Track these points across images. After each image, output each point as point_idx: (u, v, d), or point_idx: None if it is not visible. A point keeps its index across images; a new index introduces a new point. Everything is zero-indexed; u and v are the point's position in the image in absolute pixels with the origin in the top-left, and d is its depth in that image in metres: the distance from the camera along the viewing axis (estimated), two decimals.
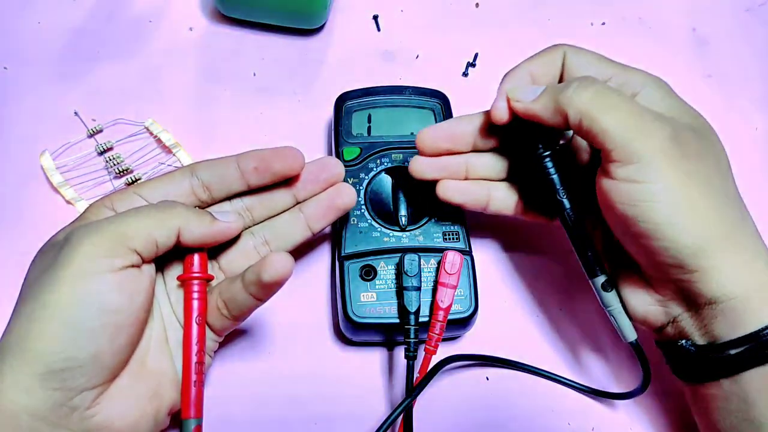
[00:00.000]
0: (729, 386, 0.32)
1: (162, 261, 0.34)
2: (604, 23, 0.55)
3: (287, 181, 0.37)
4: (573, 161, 0.39)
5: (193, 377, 0.33)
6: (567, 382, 0.40)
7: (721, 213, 0.32)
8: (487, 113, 0.37)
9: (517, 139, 0.38)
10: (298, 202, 0.37)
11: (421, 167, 0.38)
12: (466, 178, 0.39)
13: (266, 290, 0.33)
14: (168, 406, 0.33)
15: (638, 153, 0.31)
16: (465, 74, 0.52)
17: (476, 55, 0.52)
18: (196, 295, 0.34)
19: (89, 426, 0.29)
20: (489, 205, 0.39)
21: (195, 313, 0.34)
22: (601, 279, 0.35)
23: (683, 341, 0.33)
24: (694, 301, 0.32)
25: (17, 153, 0.46)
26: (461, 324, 0.39)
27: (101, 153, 0.46)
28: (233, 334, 0.41)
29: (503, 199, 0.39)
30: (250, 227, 0.37)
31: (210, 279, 0.35)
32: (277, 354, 0.41)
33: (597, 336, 0.42)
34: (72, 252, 0.29)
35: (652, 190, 0.31)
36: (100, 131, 0.47)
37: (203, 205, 0.36)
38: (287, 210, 0.37)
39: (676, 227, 0.31)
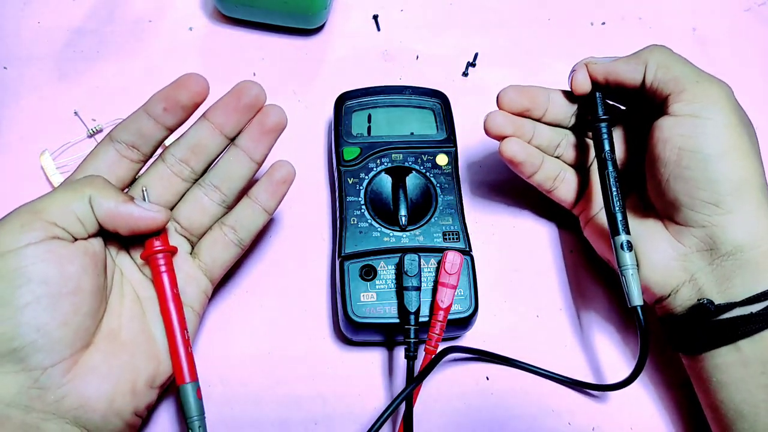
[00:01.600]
0: (749, 348, 0.32)
1: (130, 243, 0.35)
2: (604, 23, 0.55)
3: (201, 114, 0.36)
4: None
5: (180, 345, 0.33)
6: (564, 379, 0.40)
7: (761, 166, 0.35)
8: (559, 91, 0.41)
9: (582, 108, 0.41)
10: (231, 140, 0.37)
11: (498, 122, 0.39)
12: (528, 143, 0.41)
13: (277, 195, 0.37)
14: (145, 379, 0.32)
15: (705, 93, 0.35)
16: (465, 74, 0.52)
17: (476, 55, 0.52)
18: (163, 269, 0.34)
19: (65, 406, 0.29)
20: (536, 175, 0.41)
21: (167, 285, 0.34)
22: (623, 237, 0.36)
23: (703, 300, 0.34)
24: (717, 250, 0.34)
25: (17, 153, 0.46)
26: (461, 324, 0.39)
27: None
28: (232, 334, 0.41)
29: (549, 171, 0.41)
30: (196, 180, 0.37)
31: (173, 251, 0.35)
32: (277, 354, 0.41)
33: (597, 336, 0.42)
34: None
35: (712, 124, 0.34)
36: (100, 131, 0.47)
37: (140, 165, 0.35)
38: (224, 151, 0.37)
39: (726, 161, 0.34)
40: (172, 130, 0.35)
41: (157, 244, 0.34)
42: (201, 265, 0.37)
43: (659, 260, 0.36)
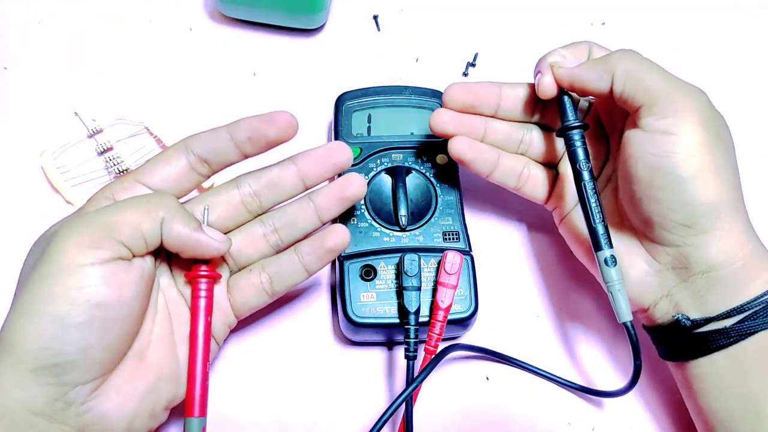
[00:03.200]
0: (723, 360, 0.33)
1: (173, 259, 0.35)
2: (604, 23, 0.55)
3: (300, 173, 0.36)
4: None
5: (199, 377, 0.33)
6: (563, 382, 0.40)
7: (736, 181, 0.34)
8: (515, 85, 0.39)
9: (548, 111, 0.39)
10: (306, 188, 0.37)
11: (442, 120, 0.38)
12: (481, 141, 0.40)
13: (324, 260, 0.36)
14: (165, 401, 0.33)
15: (678, 107, 0.33)
16: (465, 74, 0.52)
17: (476, 55, 0.52)
18: (203, 294, 0.34)
19: (86, 420, 0.29)
20: (494, 173, 0.39)
21: (202, 312, 0.34)
22: (606, 252, 0.34)
23: (679, 315, 0.34)
24: (691, 269, 0.33)
25: (17, 153, 0.46)
26: (461, 324, 0.39)
27: (101, 153, 0.46)
28: (232, 334, 0.41)
29: (510, 168, 0.40)
30: (259, 215, 0.37)
31: (218, 278, 0.35)
32: (277, 354, 0.41)
33: (597, 336, 0.42)
34: (58, 245, 0.29)
35: (684, 143, 0.32)
36: (100, 131, 0.47)
37: (205, 180, 0.35)
38: (296, 198, 0.37)
39: (700, 183, 0.32)
40: (246, 157, 0.35)
41: (204, 267, 0.34)
42: (230, 299, 0.36)
43: (636, 276, 0.35)
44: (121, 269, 0.30)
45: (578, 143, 0.36)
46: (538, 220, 0.46)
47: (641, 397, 0.40)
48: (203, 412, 0.33)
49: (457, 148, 0.38)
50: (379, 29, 0.54)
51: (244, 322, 0.41)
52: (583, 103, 0.40)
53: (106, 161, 0.45)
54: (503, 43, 0.53)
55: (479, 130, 0.39)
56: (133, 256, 0.31)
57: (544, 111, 0.40)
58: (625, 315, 0.34)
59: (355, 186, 0.36)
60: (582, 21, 0.55)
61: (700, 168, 0.32)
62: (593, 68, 0.35)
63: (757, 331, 0.32)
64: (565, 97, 0.37)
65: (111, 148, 0.46)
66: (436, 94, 0.45)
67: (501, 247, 0.45)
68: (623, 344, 0.42)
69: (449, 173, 0.42)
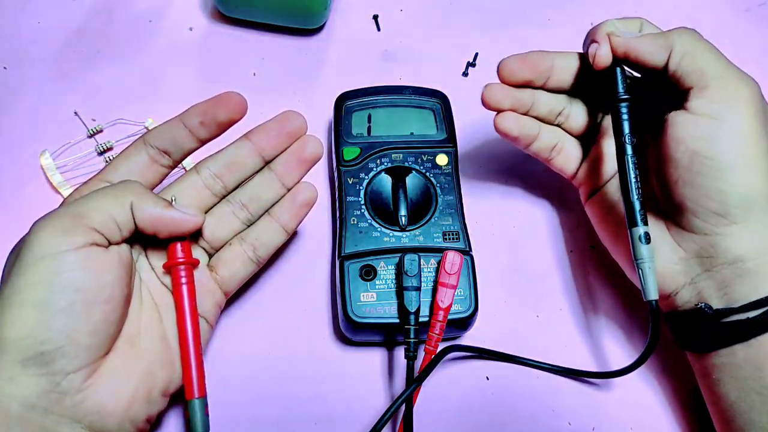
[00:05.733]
0: (743, 352, 0.32)
1: (149, 251, 0.35)
2: None
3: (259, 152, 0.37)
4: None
5: (193, 359, 0.33)
6: (563, 369, 0.40)
7: None
8: (565, 55, 0.39)
9: (598, 82, 0.39)
10: (267, 162, 0.37)
11: (497, 96, 0.38)
12: (526, 113, 0.40)
13: (299, 216, 0.37)
14: (161, 387, 0.33)
15: (729, 93, 0.33)
16: (465, 74, 0.52)
17: (476, 55, 0.52)
18: (184, 280, 0.34)
19: (82, 411, 0.29)
20: (532, 146, 0.40)
21: (186, 298, 0.34)
22: (641, 229, 0.34)
23: (702, 304, 0.33)
24: (717, 258, 0.33)
25: (17, 153, 0.46)
26: (461, 324, 0.39)
27: (101, 153, 0.46)
28: (232, 335, 0.41)
29: (547, 141, 0.41)
30: (225, 196, 0.37)
31: (195, 264, 0.35)
32: (277, 354, 0.41)
33: (597, 338, 0.42)
34: (33, 237, 0.29)
35: (730, 130, 0.32)
36: (100, 131, 0.47)
37: (169, 170, 0.36)
38: (258, 172, 0.38)
39: (740, 172, 0.32)
40: (204, 143, 0.36)
41: (181, 255, 0.34)
42: (217, 278, 0.37)
43: (660, 263, 0.35)
44: (97, 254, 0.30)
45: (625, 116, 0.36)
46: (538, 221, 0.46)
47: (642, 397, 0.40)
48: (202, 392, 0.34)
49: (505, 124, 0.39)
50: (379, 29, 0.54)
51: (244, 323, 0.41)
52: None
53: (106, 161, 0.45)
54: (503, 43, 0.53)
55: (528, 105, 0.39)
56: (109, 243, 0.31)
57: (589, 84, 0.40)
58: (652, 293, 0.34)
59: (311, 145, 0.37)
60: (582, 20, 0.55)
61: (743, 157, 0.32)
62: (652, 41, 0.35)
63: None
64: (618, 69, 0.37)
65: (111, 148, 0.46)
66: (436, 94, 0.45)
67: (501, 247, 0.45)
68: (624, 345, 0.42)
69: (449, 173, 0.42)
